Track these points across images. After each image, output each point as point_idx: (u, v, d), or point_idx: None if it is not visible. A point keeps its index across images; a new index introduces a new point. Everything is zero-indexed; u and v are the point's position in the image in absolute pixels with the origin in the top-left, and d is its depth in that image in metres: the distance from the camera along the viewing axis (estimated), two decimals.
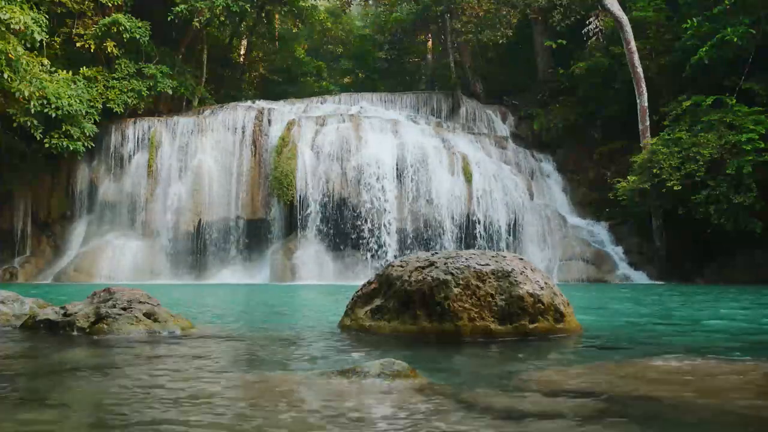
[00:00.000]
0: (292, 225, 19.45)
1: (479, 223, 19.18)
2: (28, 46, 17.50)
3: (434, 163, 19.64)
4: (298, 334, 4.80)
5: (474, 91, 26.58)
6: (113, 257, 19.04)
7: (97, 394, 2.48)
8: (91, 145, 19.85)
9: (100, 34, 21.14)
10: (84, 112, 19.10)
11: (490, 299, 4.14)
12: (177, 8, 22.67)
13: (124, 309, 4.49)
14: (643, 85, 19.56)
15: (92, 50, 21.32)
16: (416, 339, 4.11)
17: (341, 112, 22.15)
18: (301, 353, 3.86)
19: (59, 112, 18.11)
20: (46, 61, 18.60)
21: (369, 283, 4.80)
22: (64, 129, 18.76)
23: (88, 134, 19.37)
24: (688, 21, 18.90)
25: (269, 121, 21.16)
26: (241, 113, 21.51)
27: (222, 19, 25.52)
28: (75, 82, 19.46)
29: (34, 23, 17.10)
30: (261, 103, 23.47)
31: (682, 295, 11.12)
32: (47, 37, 18.70)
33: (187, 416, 2.08)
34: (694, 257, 18.28)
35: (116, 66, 21.54)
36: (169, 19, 22.86)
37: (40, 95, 17.65)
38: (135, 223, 20.24)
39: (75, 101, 18.64)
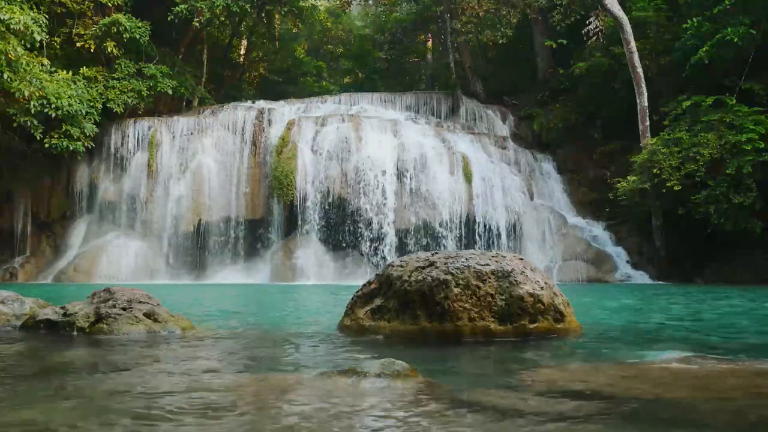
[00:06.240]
0: (292, 225, 19.44)
1: (479, 223, 19.17)
2: (28, 46, 17.48)
3: (434, 163, 19.63)
4: (298, 334, 4.80)
5: (474, 91, 26.56)
6: (113, 257, 19.03)
7: (96, 394, 2.48)
8: (91, 145, 19.83)
9: (100, 34, 21.14)
10: (84, 112, 19.08)
11: (490, 299, 4.14)
12: (177, 8, 22.67)
13: (124, 309, 4.49)
14: (643, 85, 19.55)
15: (92, 50, 21.31)
16: (416, 339, 4.11)
17: (341, 112, 22.12)
18: (301, 353, 3.86)
19: (59, 112, 18.10)
20: (46, 61, 18.59)
21: (369, 283, 4.80)
22: (64, 129, 18.74)
23: (88, 134, 19.35)
24: (688, 21, 18.88)
25: (269, 121, 21.15)
26: (241, 113, 21.49)
27: (222, 19, 25.53)
28: (75, 82, 19.44)
29: (34, 23, 17.09)
30: (261, 103, 23.45)
31: (682, 295, 11.12)
32: (47, 37, 18.68)
33: (186, 416, 2.08)
34: (694, 257, 18.26)
35: (116, 66, 21.53)
36: (169, 19, 22.85)
37: (40, 95, 17.64)
38: (135, 223, 20.23)
39: (75, 101, 18.62)
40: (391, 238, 18.64)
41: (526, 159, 22.70)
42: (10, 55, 16.49)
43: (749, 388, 2.56)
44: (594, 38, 22.73)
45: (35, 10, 18.53)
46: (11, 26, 16.29)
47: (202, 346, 3.95)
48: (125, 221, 20.30)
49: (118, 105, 20.67)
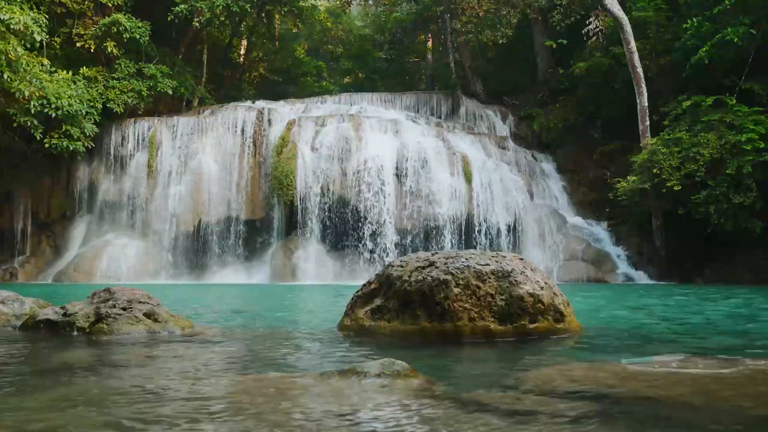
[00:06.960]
0: (292, 225, 19.44)
1: (479, 223, 19.17)
2: (28, 46, 17.48)
3: (434, 163, 19.62)
4: (298, 334, 4.80)
5: (474, 91, 26.58)
6: (113, 257, 19.03)
7: (96, 395, 2.48)
8: (91, 145, 19.84)
9: (100, 34, 21.14)
10: (84, 112, 19.09)
11: (490, 299, 4.14)
12: (177, 8, 22.67)
13: (124, 309, 4.49)
14: (643, 85, 19.55)
15: (92, 50, 21.32)
16: (416, 339, 4.11)
17: (341, 112, 22.13)
18: (301, 353, 3.86)
19: (59, 112, 18.10)
20: (46, 61, 18.59)
21: (369, 283, 4.80)
22: (64, 129, 18.74)
23: (88, 134, 19.35)
24: (688, 21, 18.88)
25: (269, 121, 21.15)
26: (241, 113, 21.49)
27: (222, 19, 25.53)
28: (75, 82, 19.44)
29: (34, 23, 17.09)
30: (261, 103, 23.46)
31: (682, 295, 11.12)
32: (47, 37, 18.68)
33: (185, 416, 2.08)
34: (694, 257, 18.27)
35: (116, 66, 21.53)
36: (169, 19, 22.86)
37: (40, 95, 17.64)
38: (135, 223, 20.24)
39: (75, 101, 18.62)
40: (391, 238, 18.64)
41: (526, 159, 22.70)
42: (10, 55, 16.50)
43: (749, 388, 2.56)
44: (594, 38, 22.74)
45: (35, 10, 18.54)
46: (11, 26, 16.30)
47: (201, 346, 3.94)
48: (125, 221, 20.30)
49: (118, 105, 20.68)
